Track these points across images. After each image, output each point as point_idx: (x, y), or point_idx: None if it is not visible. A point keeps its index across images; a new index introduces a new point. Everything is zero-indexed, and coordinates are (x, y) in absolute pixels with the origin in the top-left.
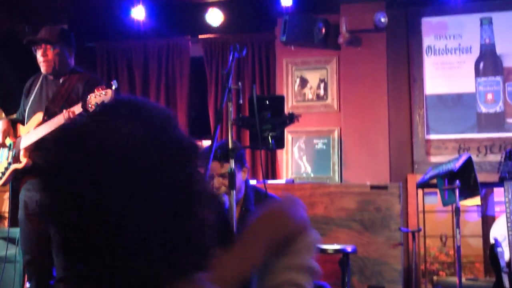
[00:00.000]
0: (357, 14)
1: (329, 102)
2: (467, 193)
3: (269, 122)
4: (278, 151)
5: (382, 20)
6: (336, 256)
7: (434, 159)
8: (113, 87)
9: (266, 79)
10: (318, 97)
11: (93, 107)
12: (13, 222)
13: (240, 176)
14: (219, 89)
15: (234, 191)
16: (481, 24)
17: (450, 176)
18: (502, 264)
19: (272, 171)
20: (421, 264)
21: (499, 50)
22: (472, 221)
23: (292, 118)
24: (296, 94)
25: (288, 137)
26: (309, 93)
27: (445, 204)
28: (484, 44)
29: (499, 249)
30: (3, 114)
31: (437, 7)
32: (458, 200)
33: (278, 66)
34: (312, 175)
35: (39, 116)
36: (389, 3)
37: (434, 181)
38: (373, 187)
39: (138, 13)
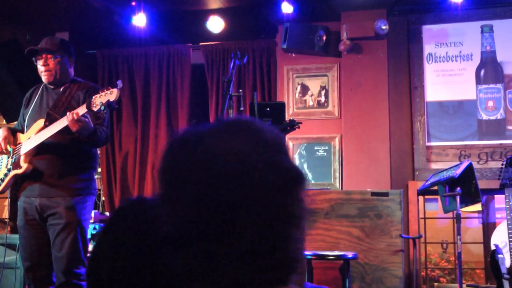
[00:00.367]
0: (358, 22)
1: (330, 109)
2: (468, 200)
3: None
4: None
5: (383, 27)
6: (337, 262)
7: (435, 166)
8: (118, 87)
9: (267, 86)
10: (319, 104)
11: (97, 106)
12: (13, 229)
13: None
14: (220, 96)
15: None
16: (482, 31)
17: (451, 183)
18: (503, 270)
19: None
20: (422, 270)
21: (499, 58)
22: (473, 227)
23: (293, 125)
24: (297, 101)
25: (289, 144)
26: (310, 100)
27: (446, 210)
28: (485, 51)
29: (500, 256)
30: (4, 121)
31: (437, 15)
32: (459, 207)
33: (279, 73)
34: (313, 181)
35: (40, 122)
36: (390, 10)
37: (435, 187)
38: (374, 193)
39: (139, 20)
